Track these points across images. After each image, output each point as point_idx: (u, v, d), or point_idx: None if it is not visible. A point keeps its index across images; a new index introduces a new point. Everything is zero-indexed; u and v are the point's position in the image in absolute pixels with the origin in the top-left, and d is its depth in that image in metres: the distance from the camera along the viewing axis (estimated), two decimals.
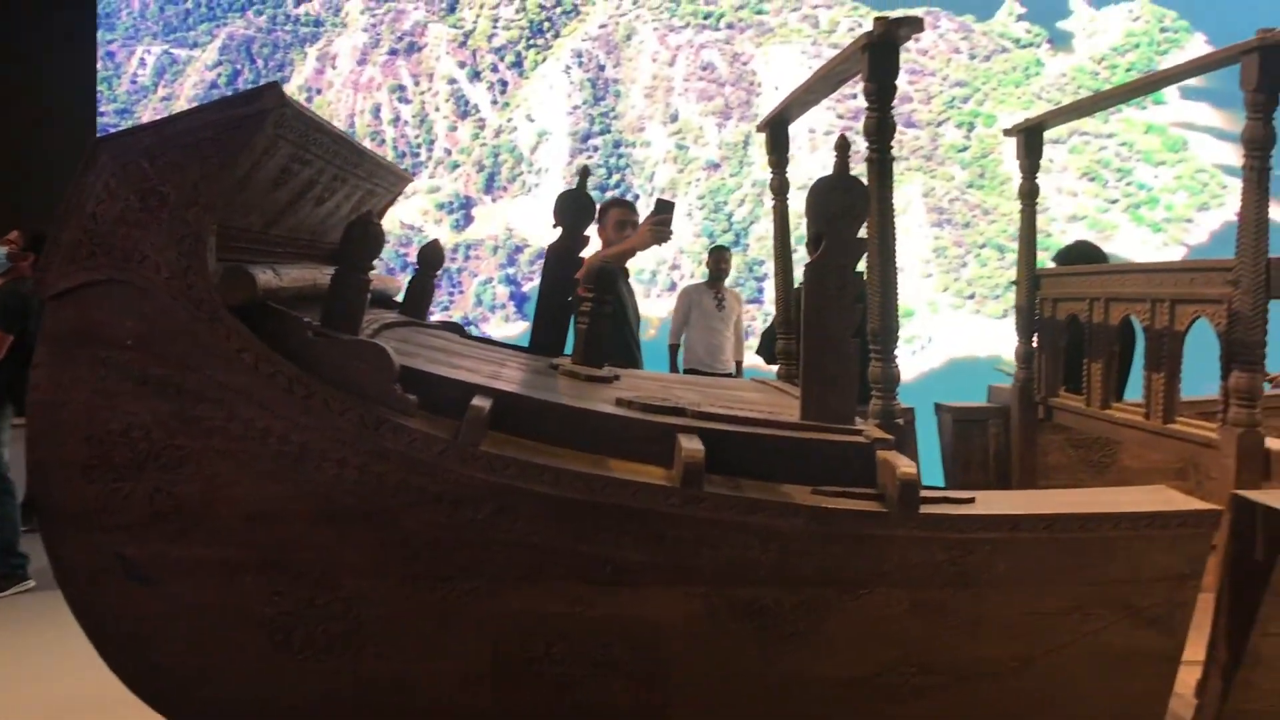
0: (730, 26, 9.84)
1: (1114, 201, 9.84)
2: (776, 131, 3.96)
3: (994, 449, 4.44)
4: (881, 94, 2.72)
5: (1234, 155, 9.49)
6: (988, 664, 2.57)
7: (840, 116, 9.21)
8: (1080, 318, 3.95)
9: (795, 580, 2.49)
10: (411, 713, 2.50)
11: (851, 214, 2.69)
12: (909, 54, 9.30)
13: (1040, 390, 4.24)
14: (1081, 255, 4.97)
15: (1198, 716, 2.76)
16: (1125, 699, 2.61)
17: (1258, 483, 2.88)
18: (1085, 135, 9.91)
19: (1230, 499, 2.68)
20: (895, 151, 2.77)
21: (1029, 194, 4.27)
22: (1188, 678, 2.85)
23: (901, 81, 2.86)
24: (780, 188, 4.02)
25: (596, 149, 9.83)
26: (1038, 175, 4.25)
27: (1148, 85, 3.71)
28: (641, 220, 4.57)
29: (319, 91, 10.36)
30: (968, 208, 9.53)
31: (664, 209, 4.12)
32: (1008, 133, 4.30)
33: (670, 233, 4.16)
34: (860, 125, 2.81)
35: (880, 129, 2.75)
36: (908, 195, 9.40)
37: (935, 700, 2.60)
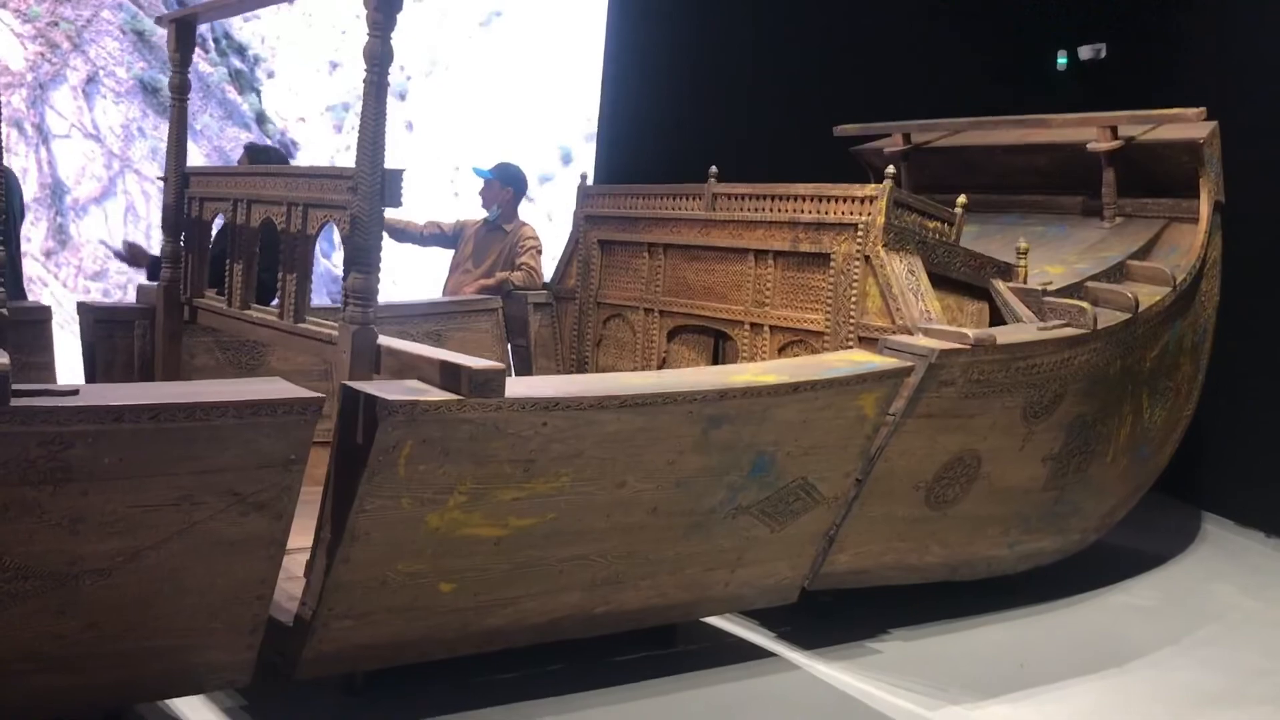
0: None
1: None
2: None
3: (139, 350, 4.29)
4: None
5: None
6: (91, 561, 2.47)
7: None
8: (226, 218, 3.95)
9: None
10: None
11: None
12: None
13: (186, 291, 4.17)
14: (258, 155, 5.12)
15: (305, 593, 2.95)
16: (235, 582, 2.70)
17: (370, 376, 3.13)
18: None
19: (339, 388, 2.89)
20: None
21: (180, 89, 4.14)
22: (304, 560, 3.04)
23: None
24: None
25: None
26: (189, 70, 4.14)
27: None
28: None
29: None
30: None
31: None
32: (159, 21, 4.13)
33: None
34: None
35: None
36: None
37: (32, 605, 2.45)
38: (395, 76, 9.12)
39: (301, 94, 8.74)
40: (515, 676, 3.55)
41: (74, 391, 2.41)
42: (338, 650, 2.99)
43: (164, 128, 8.13)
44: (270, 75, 8.70)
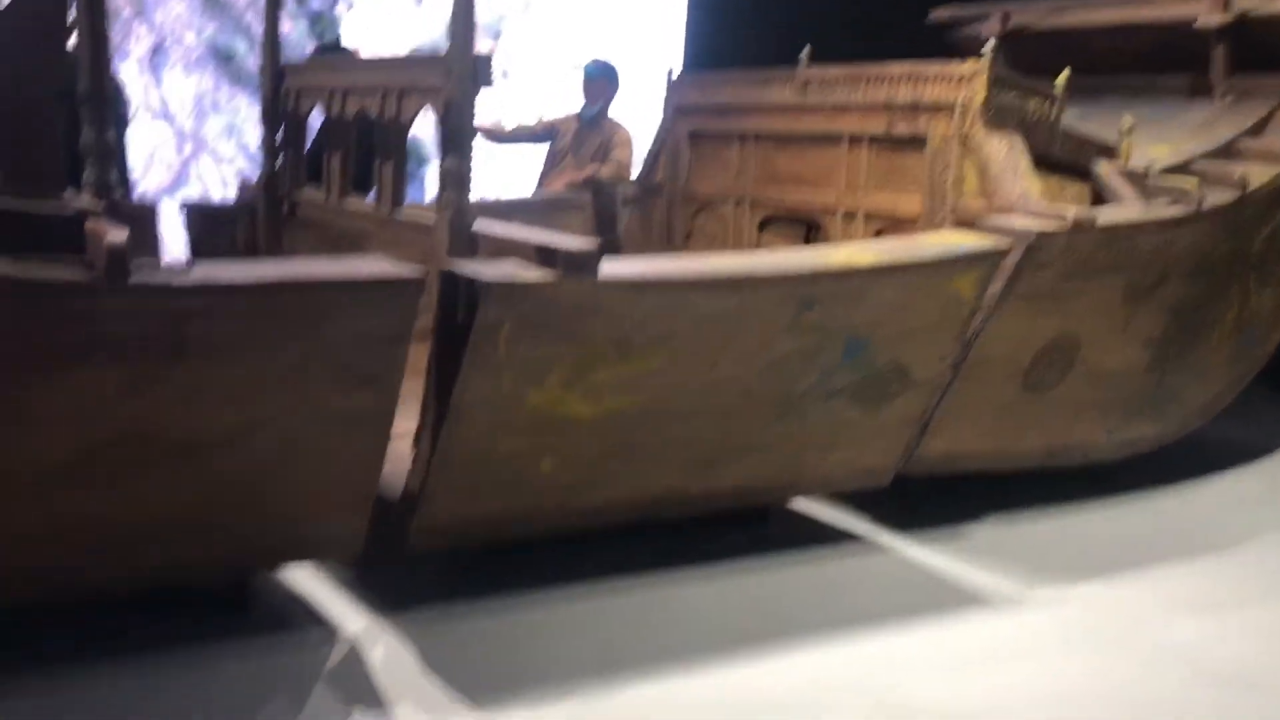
0: None
1: None
2: None
3: (243, 246, 4.40)
4: None
5: None
6: (211, 434, 2.58)
7: None
8: (322, 110, 4.01)
9: None
10: None
11: None
12: None
13: (285, 186, 4.26)
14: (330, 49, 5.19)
15: (412, 469, 3.04)
16: (346, 455, 2.79)
17: (467, 258, 3.18)
18: None
19: (439, 271, 2.94)
20: None
21: None
22: (408, 445, 3.13)
23: None
24: None
25: None
26: None
27: None
28: None
29: None
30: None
31: None
32: None
33: None
34: None
35: None
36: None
37: (159, 476, 2.57)
38: (488, 15, 8.66)
39: (384, 29, 8.23)
40: (612, 555, 3.64)
41: (188, 269, 2.50)
42: (444, 524, 3.09)
43: (239, 100, 7.80)
44: (350, 6, 8.35)
